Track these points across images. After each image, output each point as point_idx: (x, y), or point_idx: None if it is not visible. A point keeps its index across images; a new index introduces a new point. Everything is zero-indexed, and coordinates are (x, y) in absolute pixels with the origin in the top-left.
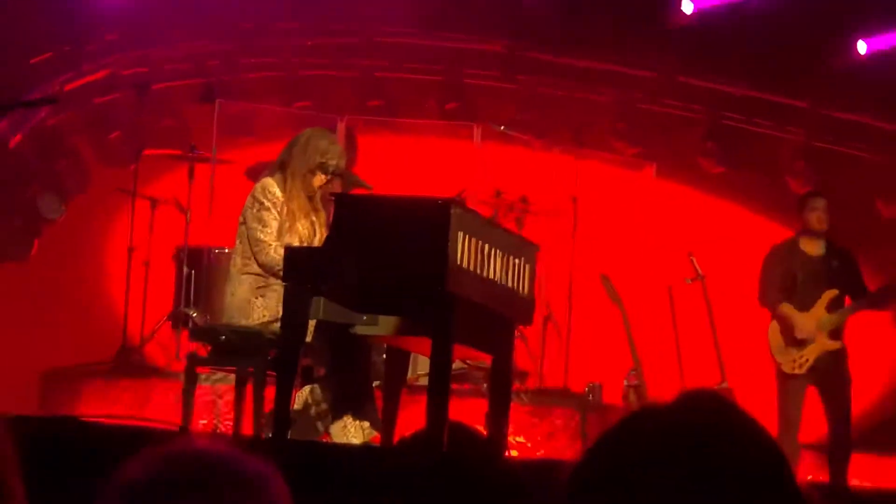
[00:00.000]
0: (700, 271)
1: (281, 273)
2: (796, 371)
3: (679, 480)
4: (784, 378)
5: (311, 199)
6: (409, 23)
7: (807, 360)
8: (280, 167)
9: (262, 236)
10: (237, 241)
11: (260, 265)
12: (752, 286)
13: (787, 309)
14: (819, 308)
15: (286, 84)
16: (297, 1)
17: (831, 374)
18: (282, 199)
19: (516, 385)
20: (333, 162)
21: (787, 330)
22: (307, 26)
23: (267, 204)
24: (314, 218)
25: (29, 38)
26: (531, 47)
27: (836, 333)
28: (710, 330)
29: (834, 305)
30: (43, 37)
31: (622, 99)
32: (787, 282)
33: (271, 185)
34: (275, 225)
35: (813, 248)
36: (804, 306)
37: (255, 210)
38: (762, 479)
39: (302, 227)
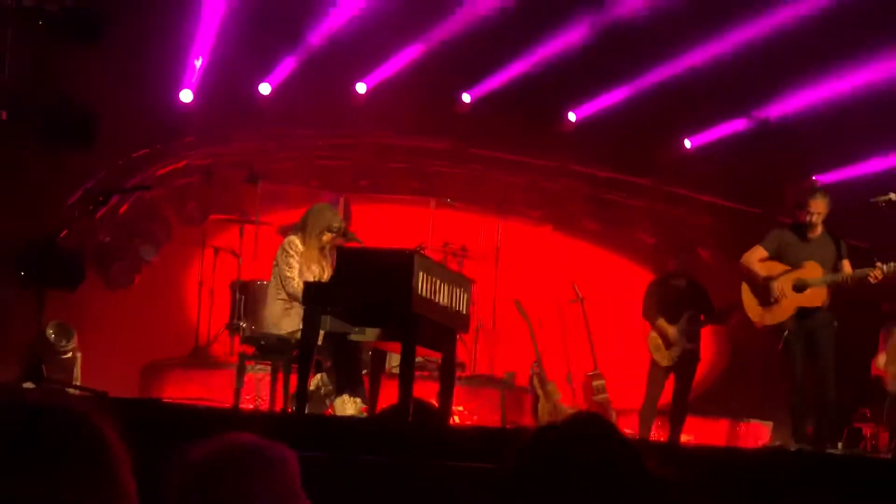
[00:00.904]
0: (580, 295)
1: (301, 299)
2: (665, 363)
3: (578, 482)
4: (656, 368)
5: (321, 250)
6: (387, 129)
7: (673, 357)
8: (300, 229)
9: (289, 274)
10: (272, 277)
11: (287, 294)
12: (618, 306)
13: (661, 322)
14: (683, 322)
15: (305, 170)
16: (312, 115)
17: (686, 366)
18: (302, 249)
19: (458, 373)
20: (336, 225)
21: (662, 336)
22: (320, 132)
23: (292, 252)
24: (324, 263)
25: (131, 141)
26: (469, 145)
27: (693, 339)
28: (586, 334)
29: (692, 320)
30: (142, 137)
31: (530, 180)
32: (661, 304)
33: (295, 240)
34: (297, 267)
35: (678, 281)
36: (672, 321)
37: (284, 257)
38: (625, 470)
39: (315, 268)
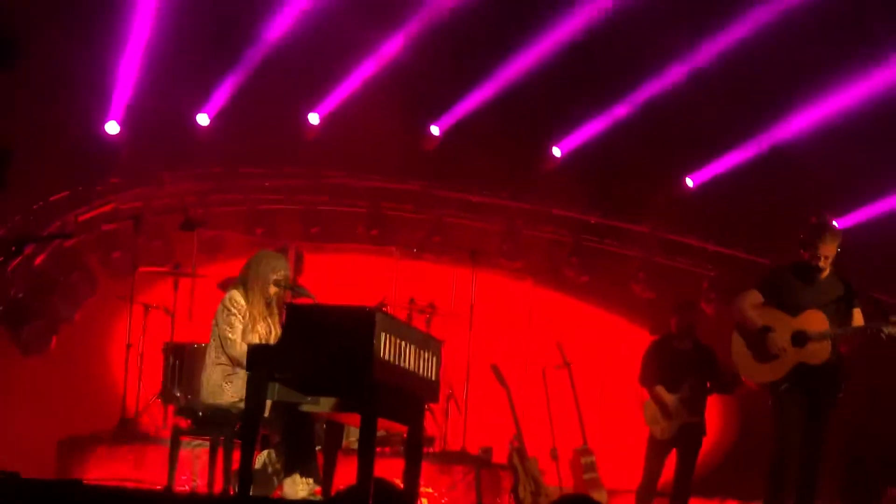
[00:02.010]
0: (567, 359)
1: (245, 364)
2: (664, 437)
3: None
4: (655, 442)
5: (268, 304)
6: (343, 168)
7: (673, 430)
8: (242, 282)
9: (230, 336)
10: (211, 339)
11: (229, 358)
12: (610, 371)
13: (660, 390)
14: (684, 390)
15: (249, 215)
16: (257, 151)
17: (689, 441)
18: (245, 306)
19: (426, 448)
20: (282, 275)
21: (660, 406)
22: (266, 171)
23: (234, 310)
24: (270, 321)
25: (49, 181)
26: (437, 186)
27: (696, 409)
28: (574, 404)
29: (695, 388)
30: (61, 177)
31: (508, 226)
32: (661, 369)
33: (237, 295)
34: (240, 327)
35: (681, 343)
36: (673, 388)
37: (224, 315)
38: None
39: (261, 328)
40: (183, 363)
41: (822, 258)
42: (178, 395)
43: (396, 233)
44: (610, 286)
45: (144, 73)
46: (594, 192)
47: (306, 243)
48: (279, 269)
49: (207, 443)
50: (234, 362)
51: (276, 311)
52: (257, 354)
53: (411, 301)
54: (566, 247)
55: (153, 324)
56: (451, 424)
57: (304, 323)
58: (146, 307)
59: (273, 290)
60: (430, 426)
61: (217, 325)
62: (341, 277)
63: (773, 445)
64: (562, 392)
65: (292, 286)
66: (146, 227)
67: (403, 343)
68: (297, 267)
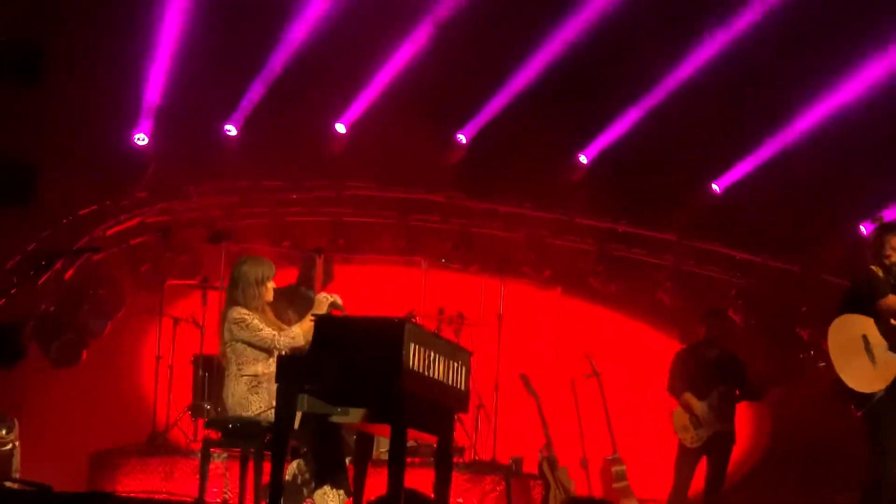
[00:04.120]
0: (596, 369)
1: (300, 341)
2: (694, 445)
3: None
4: (685, 451)
5: (264, 311)
6: (369, 179)
7: (703, 438)
8: (236, 303)
9: (266, 334)
10: (229, 355)
11: (276, 349)
12: (639, 379)
13: (689, 397)
14: (713, 397)
15: (275, 228)
16: (283, 162)
17: (719, 449)
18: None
19: (456, 458)
20: (270, 272)
21: (689, 414)
22: (292, 184)
23: (244, 316)
24: (279, 323)
25: (77, 195)
26: (463, 197)
27: (726, 417)
28: (604, 413)
29: (724, 396)
30: (89, 191)
31: (533, 236)
32: (689, 377)
33: (239, 309)
34: (263, 325)
35: (708, 351)
36: (702, 396)
37: (241, 327)
38: None
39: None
40: (212, 375)
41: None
42: (208, 407)
43: (423, 243)
44: (637, 295)
45: (172, 83)
46: (621, 200)
47: (333, 255)
48: (267, 272)
49: (238, 455)
50: (293, 350)
51: (270, 312)
52: (287, 366)
53: (440, 311)
54: (593, 256)
55: (182, 337)
56: (481, 434)
57: (334, 334)
58: (175, 320)
59: (266, 289)
60: (460, 436)
61: (232, 341)
62: (369, 289)
63: (874, 459)
64: (591, 401)
65: (333, 303)
66: (174, 240)
67: (432, 353)
68: (328, 274)
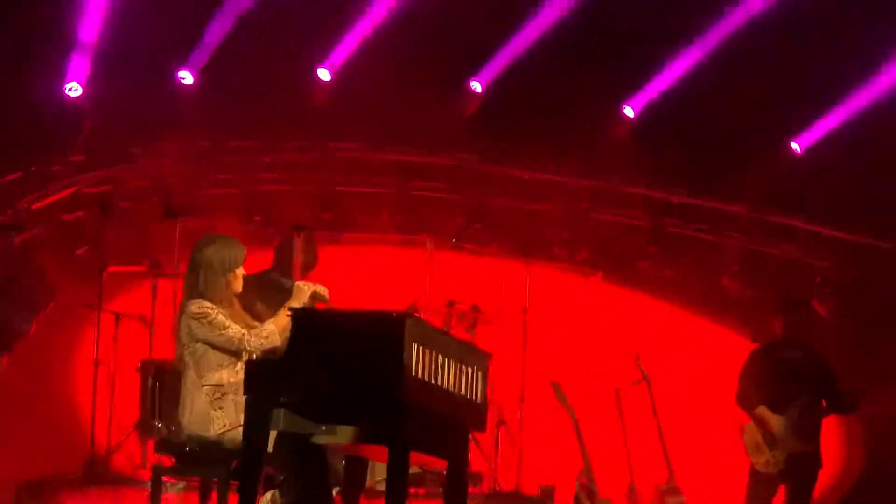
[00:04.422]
0: (646, 375)
1: (276, 341)
2: (770, 470)
3: None
4: (758, 477)
5: (232, 305)
6: (361, 137)
7: (780, 461)
8: (198, 295)
9: (233, 333)
10: (187, 359)
11: (246, 351)
12: (698, 387)
13: (763, 412)
14: (794, 410)
15: (244, 200)
16: (254, 117)
17: (801, 474)
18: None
19: (471, 488)
20: (239, 256)
21: (764, 432)
22: (262, 144)
23: (209, 312)
24: (247, 320)
25: None
26: (478, 160)
27: (809, 435)
28: (656, 430)
29: (808, 408)
30: (8, 157)
31: (567, 208)
32: (764, 385)
33: (202, 303)
34: (230, 321)
35: (789, 352)
36: (779, 409)
37: (204, 322)
38: None
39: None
40: (164, 385)
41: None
42: (160, 425)
43: (429, 219)
44: (698, 282)
45: (112, 17)
46: (677, 162)
47: (318, 233)
48: (239, 256)
49: (197, 485)
50: (263, 354)
51: (238, 306)
52: (258, 373)
53: (450, 304)
54: (643, 233)
55: (127, 337)
56: (503, 458)
57: (316, 333)
58: (118, 316)
59: (235, 277)
60: (475, 460)
61: (191, 342)
62: (361, 275)
63: None
64: (641, 415)
65: (316, 293)
66: (116, 216)
67: (441, 356)
68: (309, 256)
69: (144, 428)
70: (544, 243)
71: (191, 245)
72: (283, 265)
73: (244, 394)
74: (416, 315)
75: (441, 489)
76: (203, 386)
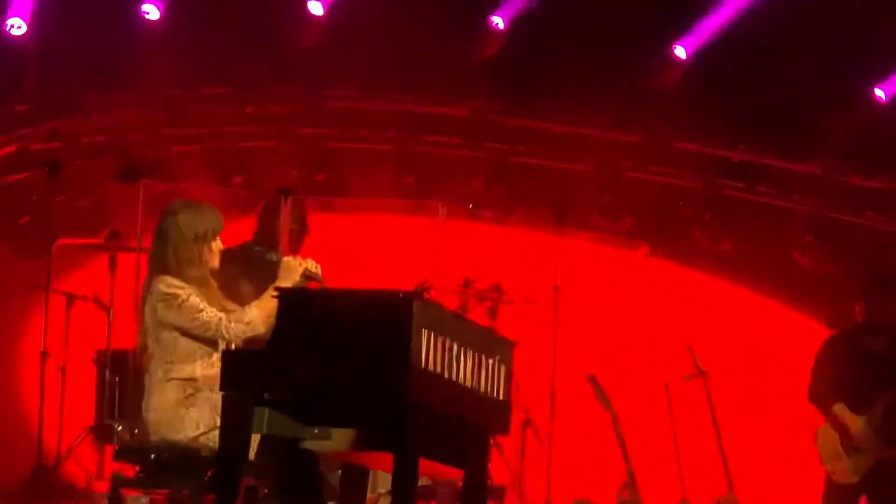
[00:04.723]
0: (701, 366)
1: (259, 327)
2: (849, 480)
3: None
4: (835, 489)
5: (206, 282)
6: (359, 84)
7: (862, 470)
8: (167, 272)
9: (208, 318)
10: (152, 348)
11: (218, 339)
12: (764, 381)
13: (840, 410)
14: (879, 410)
15: (220, 158)
16: (229, 61)
17: (885, 487)
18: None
19: (491, 502)
20: (215, 226)
21: (842, 434)
22: (242, 92)
23: (180, 292)
24: (225, 303)
25: None
26: (500, 110)
27: (894, 439)
28: (714, 434)
29: (894, 407)
30: None
31: (607, 168)
32: (843, 379)
33: (169, 280)
34: (199, 300)
35: (872, 341)
36: (860, 408)
37: (173, 305)
38: None
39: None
40: (125, 380)
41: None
42: (120, 428)
43: (441, 180)
44: (763, 256)
45: None
46: (738, 114)
47: (309, 198)
48: (214, 225)
49: (164, 499)
50: (244, 343)
51: (214, 285)
52: (237, 365)
53: (466, 283)
54: (697, 197)
55: (80, 323)
56: (530, 466)
57: (306, 317)
58: (70, 298)
59: (212, 258)
60: (497, 470)
61: (161, 327)
62: (360, 248)
63: None
64: (695, 415)
65: (310, 272)
66: (68, 178)
67: (455, 346)
68: (298, 225)
69: (101, 431)
70: (579, 210)
71: (157, 212)
72: (268, 236)
73: (221, 390)
74: (427, 296)
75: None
76: (172, 380)
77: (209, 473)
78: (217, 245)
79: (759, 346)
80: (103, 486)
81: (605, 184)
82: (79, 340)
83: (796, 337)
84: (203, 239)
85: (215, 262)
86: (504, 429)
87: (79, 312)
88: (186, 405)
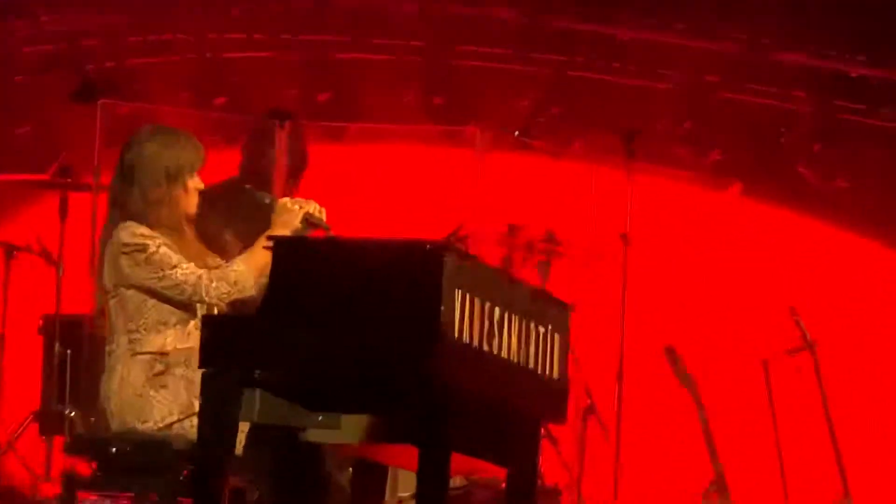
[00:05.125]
0: (809, 336)
1: (249, 287)
2: None
3: None
4: None
5: (181, 232)
6: None
7: None
8: (131, 216)
9: (183, 275)
10: (113, 315)
11: (214, 308)
12: (887, 356)
13: None
14: None
15: (197, 72)
16: None
17: None
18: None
19: None
20: (193, 158)
21: None
22: None
23: (148, 243)
24: (207, 259)
25: None
26: (556, 11)
27: None
28: (825, 422)
29: None
30: None
31: (691, 86)
32: None
33: (134, 227)
34: (172, 252)
35: None
36: None
37: (140, 259)
38: None
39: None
40: (79, 354)
41: None
42: (72, 414)
43: (477, 101)
44: (889, 197)
45: None
46: (855, 19)
47: (311, 123)
48: (194, 161)
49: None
50: (232, 306)
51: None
52: (220, 335)
53: (511, 230)
54: (804, 123)
55: (22, 282)
56: (592, 461)
57: (309, 275)
58: (8, 249)
59: (189, 202)
60: (550, 467)
61: (124, 286)
62: (376, 187)
63: None
64: (801, 398)
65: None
66: (6, 97)
67: (498, 310)
68: (296, 158)
69: (48, 418)
70: (655, 138)
71: (119, 142)
72: (258, 172)
73: (200, 367)
74: (461, 247)
75: None
76: (138, 355)
77: (185, 472)
78: (195, 183)
79: (882, 312)
80: (51, 489)
81: (689, 106)
82: (20, 303)
83: None
84: (177, 176)
85: (192, 205)
86: (559, 416)
87: (20, 268)
88: (156, 386)
